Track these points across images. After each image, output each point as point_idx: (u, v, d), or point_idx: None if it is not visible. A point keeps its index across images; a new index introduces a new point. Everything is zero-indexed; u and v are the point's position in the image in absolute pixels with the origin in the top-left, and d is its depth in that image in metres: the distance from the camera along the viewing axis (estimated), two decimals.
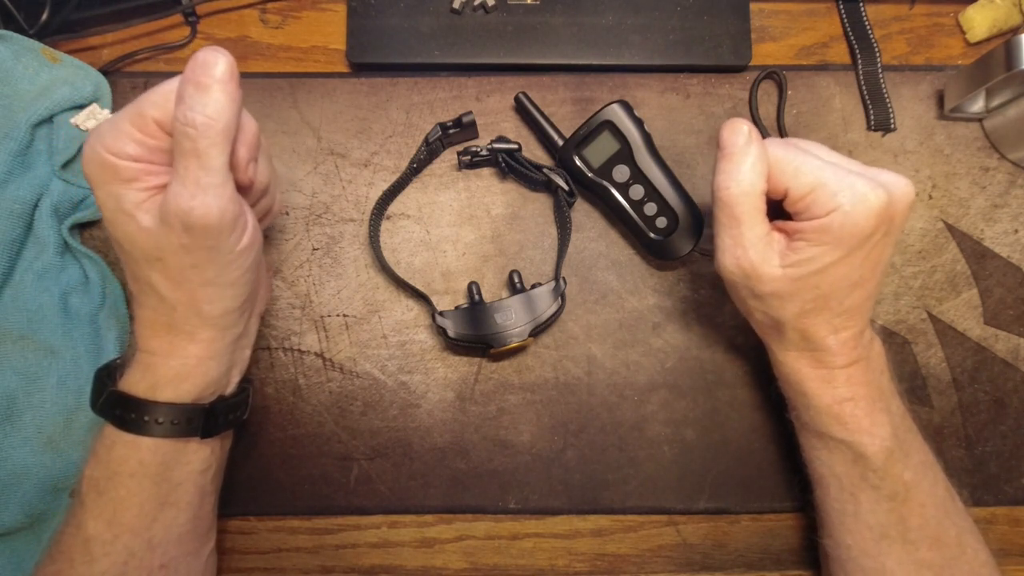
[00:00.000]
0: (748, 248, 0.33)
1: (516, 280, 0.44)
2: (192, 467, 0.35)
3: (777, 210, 0.34)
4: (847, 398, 0.35)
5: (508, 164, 0.45)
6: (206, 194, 0.29)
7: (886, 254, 0.34)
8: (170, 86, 0.29)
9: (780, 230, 0.34)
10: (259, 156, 0.33)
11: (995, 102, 0.46)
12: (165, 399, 0.33)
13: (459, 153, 0.45)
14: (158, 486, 0.34)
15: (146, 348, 0.33)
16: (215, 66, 0.28)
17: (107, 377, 0.35)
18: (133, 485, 0.33)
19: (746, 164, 0.32)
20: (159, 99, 0.29)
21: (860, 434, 0.35)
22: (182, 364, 0.33)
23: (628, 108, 0.43)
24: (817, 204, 0.32)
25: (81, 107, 0.44)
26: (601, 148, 0.44)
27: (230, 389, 0.37)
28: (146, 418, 0.33)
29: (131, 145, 0.29)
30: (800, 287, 0.33)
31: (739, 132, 0.33)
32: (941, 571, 0.35)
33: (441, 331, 0.43)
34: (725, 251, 0.34)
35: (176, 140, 0.28)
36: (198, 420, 0.34)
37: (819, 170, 0.32)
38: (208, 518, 0.38)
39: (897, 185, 0.32)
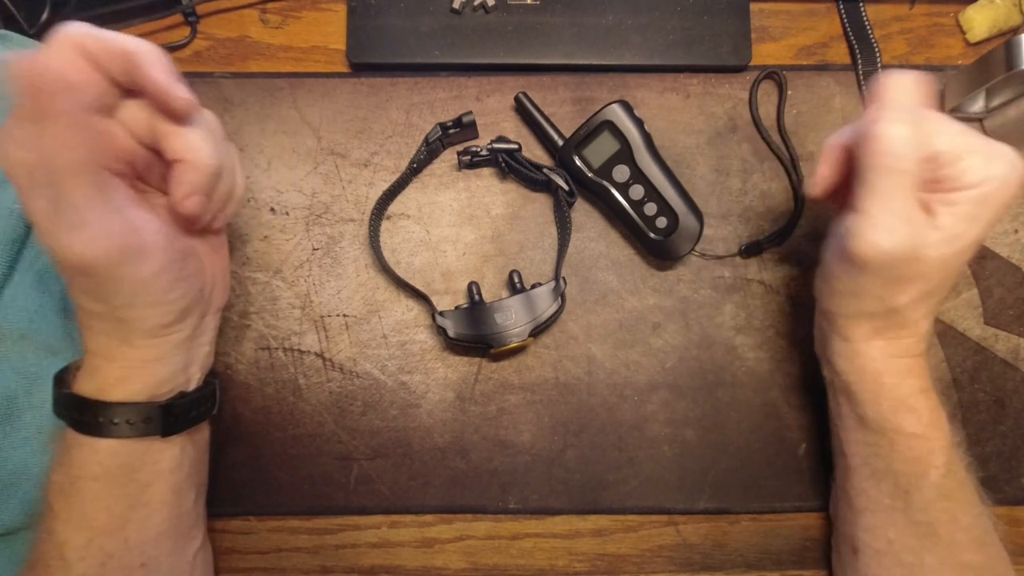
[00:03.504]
0: (915, 224, 0.29)
1: (516, 280, 0.44)
2: (160, 466, 0.34)
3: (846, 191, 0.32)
4: (923, 389, 0.35)
5: (508, 164, 0.45)
6: (78, 232, 0.26)
7: None
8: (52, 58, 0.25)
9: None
10: (195, 137, 0.30)
11: (995, 102, 0.46)
12: (115, 399, 0.32)
13: (459, 153, 0.45)
14: (123, 487, 0.33)
15: (90, 349, 0.32)
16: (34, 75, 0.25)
17: (61, 380, 0.34)
18: (97, 488, 0.32)
19: (918, 123, 0.29)
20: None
21: (931, 427, 0.35)
22: (125, 367, 0.32)
23: (628, 108, 0.43)
24: (971, 171, 0.29)
25: None
26: (601, 148, 0.44)
27: (192, 385, 0.36)
28: (100, 419, 0.32)
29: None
30: (941, 267, 0.31)
31: (906, 86, 0.29)
32: (980, 573, 0.35)
33: (441, 331, 0.43)
34: (880, 229, 0.29)
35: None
36: (157, 419, 0.33)
37: (966, 134, 0.29)
38: (189, 516, 0.37)
39: None
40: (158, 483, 0.34)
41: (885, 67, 0.48)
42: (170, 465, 0.35)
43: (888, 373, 0.35)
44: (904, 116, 0.29)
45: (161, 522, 0.34)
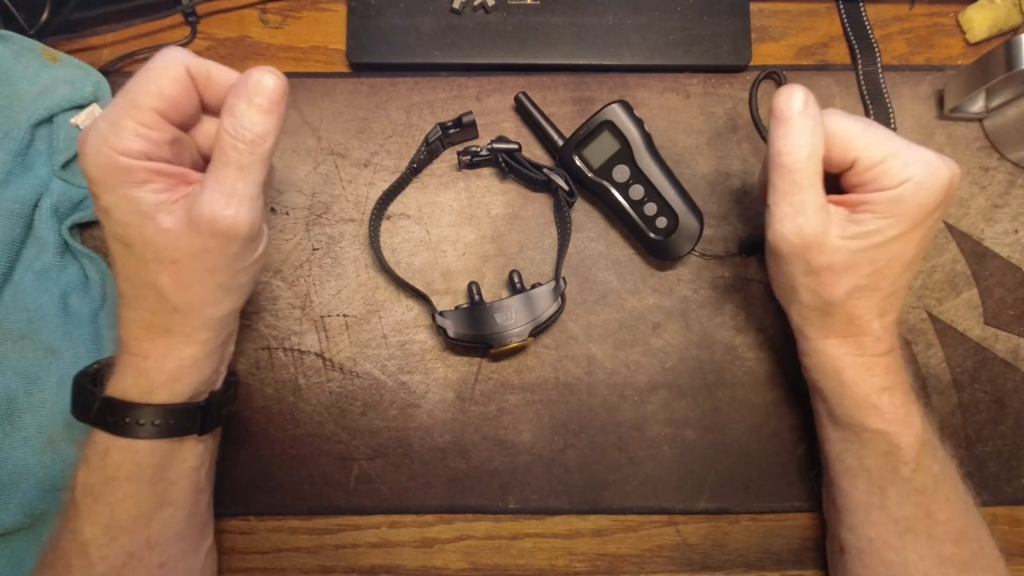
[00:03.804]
0: (811, 214, 0.33)
1: (516, 280, 0.44)
2: (187, 464, 0.35)
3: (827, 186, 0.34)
4: (885, 387, 0.35)
5: (508, 164, 0.45)
6: (241, 204, 0.30)
7: (933, 235, 0.34)
8: (162, 73, 0.29)
9: (837, 203, 0.34)
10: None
11: (995, 102, 0.46)
12: (160, 401, 0.33)
13: (459, 153, 0.45)
14: (154, 486, 0.34)
15: (138, 352, 0.33)
16: (270, 88, 0.29)
17: (91, 384, 0.34)
18: (130, 488, 0.33)
19: (807, 129, 0.32)
20: (154, 88, 0.29)
21: (897, 424, 0.35)
22: (177, 366, 0.33)
23: (628, 108, 0.43)
24: (888, 175, 0.32)
25: (81, 107, 0.44)
26: (601, 148, 0.44)
27: (219, 384, 0.37)
28: (141, 421, 0.32)
29: (137, 141, 0.29)
30: (858, 260, 0.33)
31: (795, 98, 0.32)
32: (963, 567, 0.35)
33: (441, 331, 0.43)
34: (785, 219, 0.33)
35: (219, 148, 0.29)
36: (195, 418, 0.34)
37: (888, 141, 0.32)
38: (204, 515, 0.38)
39: (954, 164, 0.33)
40: (183, 481, 0.35)
41: (885, 67, 0.48)
42: (195, 463, 0.35)
43: (847, 371, 0.36)
44: (796, 132, 0.32)
45: (181, 520, 0.35)
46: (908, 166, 0.31)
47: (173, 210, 0.30)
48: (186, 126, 0.32)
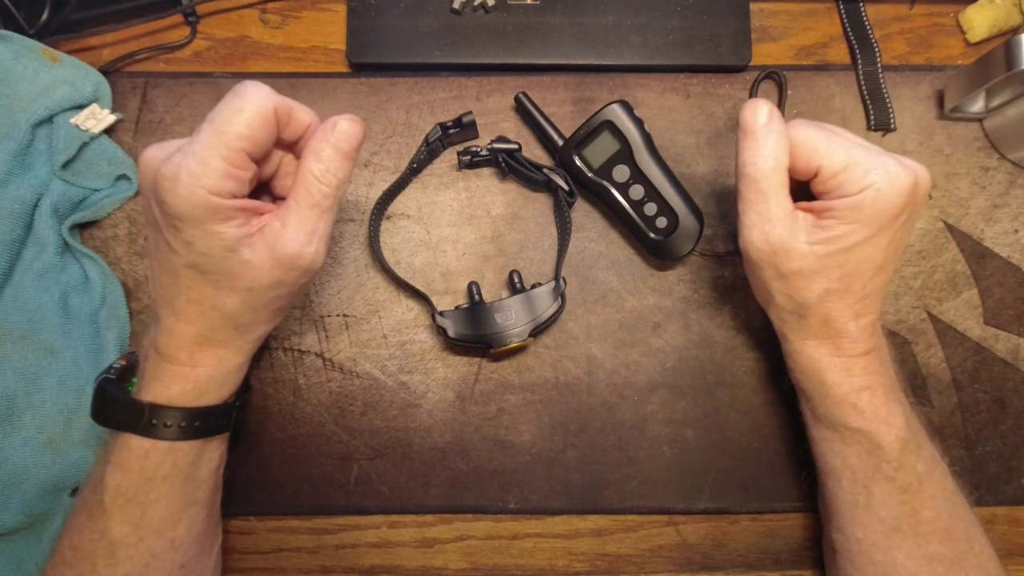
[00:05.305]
0: (776, 222, 0.34)
1: (516, 280, 0.44)
2: (214, 463, 0.36)
3: (796, 194, 0.35)
4: (865, 387, 0.36)
5: (508, 164, 0.45)
6: (321, 242, 0.32)
7: (907, 238, 0.35)
8: (254, 115, 0.30)
9: (806, 210, 0.35)
10: None
11: (995, 102, 0.46)
12: (206, 403, 0.34)
13: (459, 153, 0.45)
14: (186, 486, 0.34)
15: (187, 362, 0.34)
16: (353, 135, 0.32)
17: (118, 391, 0.34)
18: (165, 488, 0.34)
19: (770, 141, 0.33)
20: (246, 130, 0.30)
21: (877, 423, 0.36)
22: (225, 372, 0.35)
23: (628, 108, 0.43)
24: (850, 182, 0.33)
25: (81, 107, 0.44)
26: (601, 148, 0.44)
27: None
28: (196, 423, 0.34)
29: (229, 182, 0.30)
30: (827, 264, 0.34)
31: (760, 111, 0.33)
32: (951, 565, 0.36)
33: (441, 331, 0.43)
34: (752, 227, 0.34)
35: (304, 190, 0.31)
36: (230, 415, 0.36)
37: (851, 149, 0.33)
38: (217, 514, 0.38)
39: (920, 169, 0.33)
40: (209, 480, 0.36)
41: (885, 67, 0.48)
42: (218, 461, 0.37)
43: (827, 371, 0.37)
44: (759, 144, 0.33)
45: (202, 521, 0.36)
46: (868, 173, 0.32)
47: (252, 243, 0.31)
48: (261, 161, 0.33)
